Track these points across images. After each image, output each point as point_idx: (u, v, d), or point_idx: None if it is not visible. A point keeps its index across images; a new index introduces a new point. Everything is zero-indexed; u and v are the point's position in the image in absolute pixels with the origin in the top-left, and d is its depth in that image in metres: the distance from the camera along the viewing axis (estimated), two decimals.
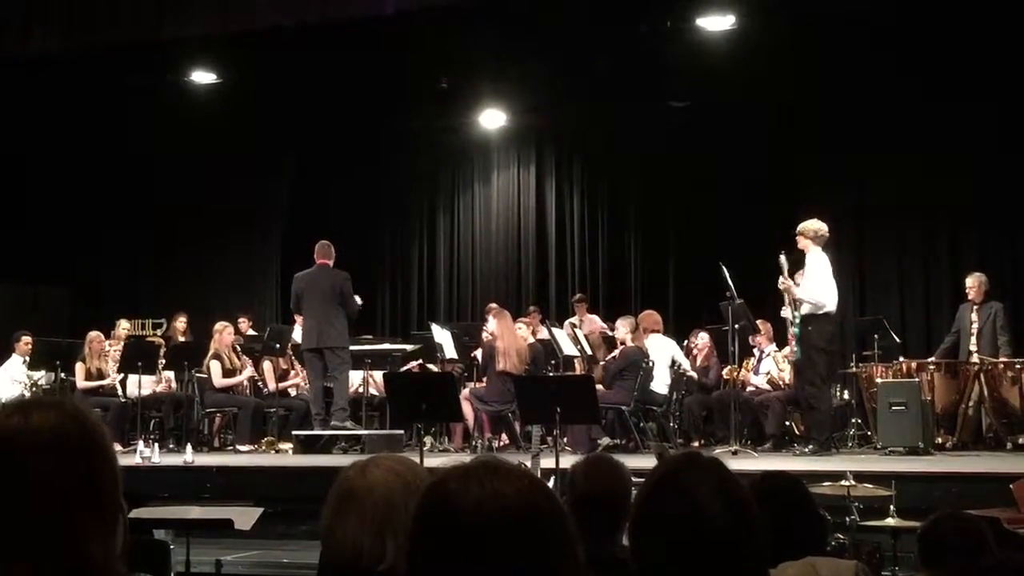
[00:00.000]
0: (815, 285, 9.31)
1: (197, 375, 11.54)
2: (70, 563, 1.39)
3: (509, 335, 10.53)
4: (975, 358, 10.29)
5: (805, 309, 9.32)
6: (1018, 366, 9.88)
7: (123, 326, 12.93)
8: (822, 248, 9.46)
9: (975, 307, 10.54)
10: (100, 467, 1.46)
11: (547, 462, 7.22)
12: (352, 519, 2.07)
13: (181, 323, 13.19)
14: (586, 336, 11.30)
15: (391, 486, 2.09)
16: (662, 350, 10.73)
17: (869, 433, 10.24)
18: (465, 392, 10.47)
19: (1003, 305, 10.56)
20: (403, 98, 13.68)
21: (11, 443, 1.42)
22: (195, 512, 5.91)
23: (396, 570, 1.98)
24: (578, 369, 10.99)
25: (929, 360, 10.36)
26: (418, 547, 1.45)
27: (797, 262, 9.56)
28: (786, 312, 9.69)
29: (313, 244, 10.79)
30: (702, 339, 11.58)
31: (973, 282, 10.61)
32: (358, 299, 10.89)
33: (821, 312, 9.30)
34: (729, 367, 10.81)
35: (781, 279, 9.41)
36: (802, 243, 9.43)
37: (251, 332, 13.05)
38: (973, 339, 10.48)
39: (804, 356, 9.45)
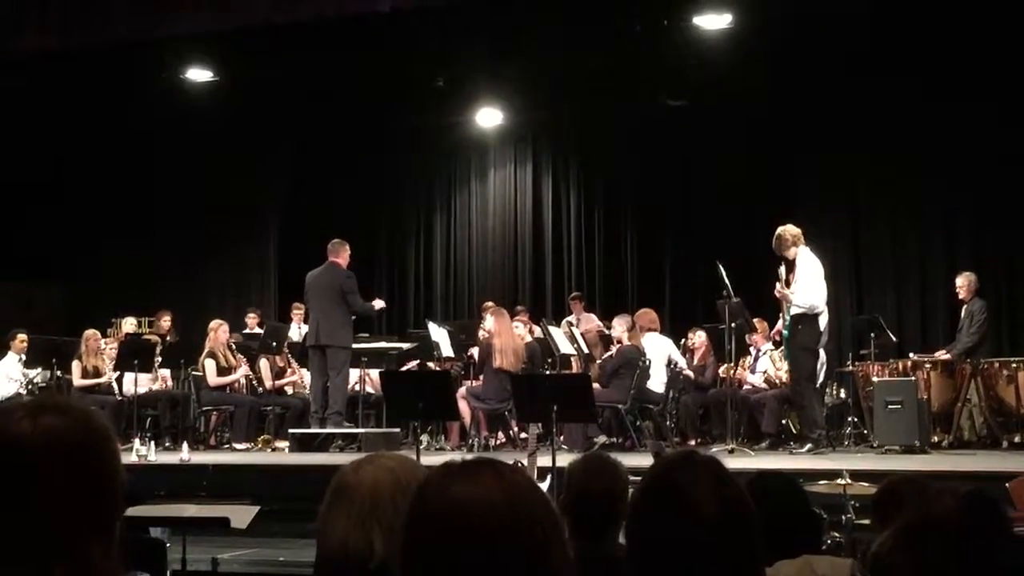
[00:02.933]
0: (808, 287, 9.27)
1: (193, 373, 11.53)
2: (70, 566, 1.40)
3: (506, 333, 10.52)
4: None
5: (796, 309, 9.30)
6: (1014, 365, 9.90)
7: (130, 322, 12.90)
8: (807, 245, 9.44)
9: (965, 306, 10.57)
10: (106, 474, 1.47)
11: (543, 461, 7.22)
12: (341, 515, 2.07)
13: (166, 321, 13.17)
14: (583, 334, 11.28)
15: (380, 482, 2.08)
16: (659, 348, 10.72)
17: (865, 432, 10.24)
18: (462, 390, 10.46)
19: (984, 303, 10.53)
20: (399, 96, 13.65)
21: (20, 447, 1.43)
22: (191, 510, 5.89)
23: (389, 567, 1.98)
24: (575, 367, 10.99)
25: (925, 358, 10.37)
26: (408, 544, 1.46)
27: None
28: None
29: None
30: (699, 337, 11.58)
31: (963, 282, 10.64)
32: (378, 303, 10.90)
33: (812, 313, 9.30)
34: (726, 365, 10.81)
35: (778, 287, 9.38)
36: (789, 252, 9.35)
37: (258, 329, 13.00)
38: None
39: (792, 355, 9.46)
